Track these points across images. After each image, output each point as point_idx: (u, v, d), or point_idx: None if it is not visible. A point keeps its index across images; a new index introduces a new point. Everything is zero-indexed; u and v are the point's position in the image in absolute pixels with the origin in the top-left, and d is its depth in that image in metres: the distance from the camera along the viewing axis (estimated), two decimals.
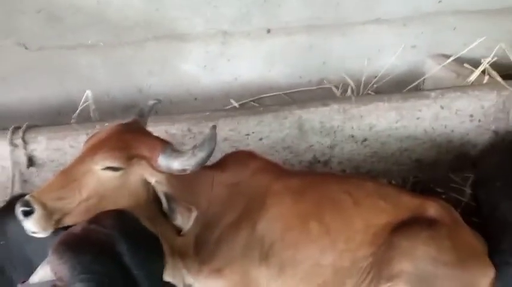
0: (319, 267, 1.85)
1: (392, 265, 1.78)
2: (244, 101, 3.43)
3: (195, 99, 3.46)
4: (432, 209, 1.96)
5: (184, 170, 1.66)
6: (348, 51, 3.54)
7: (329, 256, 1.86)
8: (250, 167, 2.05)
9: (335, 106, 2.73)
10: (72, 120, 2.97)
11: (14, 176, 2.48)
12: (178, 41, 3.29)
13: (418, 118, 2.82)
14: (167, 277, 2.00)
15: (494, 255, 2.02)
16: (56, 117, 3.24)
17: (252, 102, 3.48)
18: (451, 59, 3.30)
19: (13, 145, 2.45)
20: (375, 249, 1.86)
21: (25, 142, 2.46)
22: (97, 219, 1.42)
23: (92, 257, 1.30)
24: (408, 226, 1.87)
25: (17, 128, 2.48)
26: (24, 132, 2.46)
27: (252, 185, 2.00)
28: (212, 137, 1.66)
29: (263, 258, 1.90)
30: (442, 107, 2.82)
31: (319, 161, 2.86)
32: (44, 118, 3.07)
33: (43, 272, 1.34)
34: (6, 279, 1.68)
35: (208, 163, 2.08)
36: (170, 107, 3.38)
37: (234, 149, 2.66)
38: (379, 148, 2.86)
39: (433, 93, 2.80)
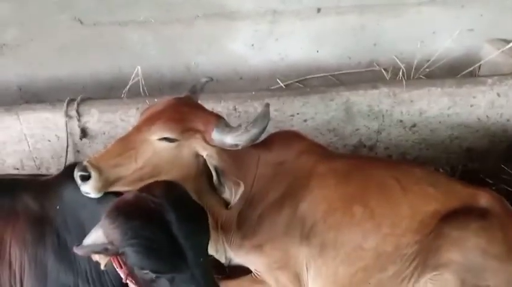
0: (361, 250, 1.84)
1: (440, 253, 1.74)
2: (290, 82, 3.40)
3: (241, 78, 3.46)
4: (484, 199, 1.89)
5: (236, 145, 1.68)
6: (400, 33, 3.41)
7: (372, 240, 1.84)
8: (295, 148, 2.05)
9: (385, 89, 2.66)
10: (123, 95, 3.06)
11: (68, 146, 2.59)
12: (227, 19, 3.29)
13: (472, 105, 2.70)
14: (210, 250, 2.06)
15: None
16: (107, 91, 3.34)
17: (298, 83, 3.44)
18: (511, 44, 3.12)
19: (68, 116, 2.56)
20: (421, 237, 1.81)
21: (79, 114, 2.56)
22: (148, 188, 1.46)
23: (142, 223, 1.35)
24: (459, 215, 1.81)
25: (72, 101, 2.58)
26: (78, 105, 2.57)
27: (297, 165, 2.00)
28: (266, 115, 1.67)
29: (304, 237, 1.91)
30: (498, 95, 2.69)
31: (364, 146, 2.81)
32: (95, 92, 3.18)
33: (95, 235, 1.41)
34: (61, 242, 1.78)
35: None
36: (216, 85, 3.39)
37: (277, 130, 2.66)
38: (428, 134, 2.78)
39: (489, 80, 2.67)
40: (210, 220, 1.89)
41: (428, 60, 3.40)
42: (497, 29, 3.39)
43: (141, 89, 3.09)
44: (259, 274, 1.99)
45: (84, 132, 2.59)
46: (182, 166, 1.71)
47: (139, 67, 3.07)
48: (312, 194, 1.95)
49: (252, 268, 2.01)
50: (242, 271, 2.09)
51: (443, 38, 3.41)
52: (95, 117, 2.57)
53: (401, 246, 1.82)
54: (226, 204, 1.74)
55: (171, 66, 3.40)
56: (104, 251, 1.42)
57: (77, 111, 2.56)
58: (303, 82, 3.44)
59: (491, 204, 1.88)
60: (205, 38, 3.34)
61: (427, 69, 3.39)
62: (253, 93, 2.64)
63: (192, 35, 3.32)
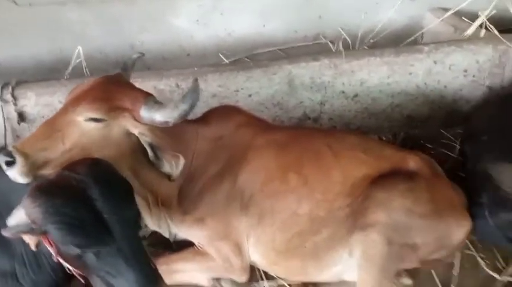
0: (296, 216, 1.90)
1: (367, 214, 1.81)
2: (237, 58, 3.39)
3: (188, 55, 3.43)
4: (413, 162, 1.97)
5: (166, 122, 1.67)
6: (344, 4, 3.45)
7: (305, 206, 1.89)
8: (234, 122, 2.07)
9: (326, 61, 2.69)
10: (65, 77, 2.98)
11: (5, 131, 2.52)
12: None
13: (410, 73, 2.77)
14: (153, 226, 2.08)
15: (474, 207, 2.05)
16: (49, 74, 3.23)
17: (246, 59, 3.44)
18: (450, 12, 3.20)
19: (3, 100, 2.48)
20: (352, 200, 1.89)
21: (15, 98, 2.48)
22: (71, 166, 1.46)
23: (63, 201, 1.35)
24: (387, 178, 1.89)
25: (6, 84, 2.50)
26: (13, 89, 2.48)
27: (236, 139, 2.02)
28: (195, 90, 1.66)
29: (244, 208, 1.95)
30: (435, 62, 2.77)
31: (309, 118, 2.85)
32: (37, 75, 3.08)
33: (18, 215, 1.40)
34: None
35: (193, 117, 2.13)
36: (163, 63, 3.37)
37: None
38: (370, 103, 2.84)
39: (426, 48, 2.75)
40: (150, 196, 1.92)
41: (372, 31, 3.46)
42: None
43: (84, 70, 3.01)
44: (201, 246, 2.02)
45: (21, 117, 2.51)
46: (113, 145, 1.70)
47: (80, 48, 2.98)
48: (250, 165, 1.98)
49: (195, 241, 2.04)
50: (188, 246, 2.12)
51: (387, 8, 3.47)
52: (32, 101, 2.49)
53: (334, 210, 1.89)
54: (168, 177, 1.74)
55: (114, 45, 3.32)
56: (30, 230, 1.41)
57: (12, 95, 2.48)
58: (251, 57, 3.44)
59: (420, 166, 1.97)
60: (149, 15, 3.28)
61: (372, 40, 3.46)
62: (196, 69, 2.62)
63: (135, 13, 3.25)
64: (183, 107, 1.63)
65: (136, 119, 1.69)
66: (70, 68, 3.01)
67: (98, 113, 1.64)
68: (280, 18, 3.46)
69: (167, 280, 2.10)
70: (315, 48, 3.50)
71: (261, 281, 2.11)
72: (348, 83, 2.76)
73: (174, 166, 1.72)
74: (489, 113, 2.49)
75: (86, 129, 1.65)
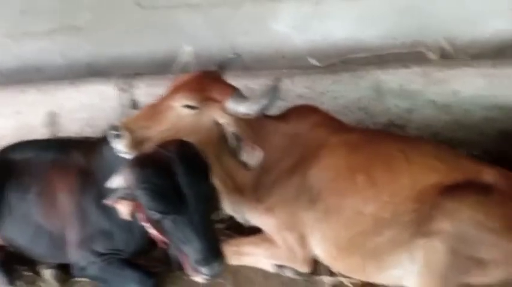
0: (361, 215, 1.95)
1: (433, 222, 1.80)
2: (331, 62, 3.47)
3: (283, 57, 3.59)
4: (489, 175, 1.90)
5: (248, 114, 1.88)
6: (447, 13, 3.33)
7: (371, 206, 1.94)
8: (311, 120, 2.19)
9: (416, 69, 2.67)
10: (174, 71, 3.35)
11: (121, 116, 2.94)
12: (272, 1, 3.42)
13: (508, 87, 2.62)
14: (229, 210, 2.29)
15: None
16: (162, 69, 3.64)
17: (340, 63, 3.49)
18: None
19: (121, 89, 2.90)
20: (419, 206, 1.88)
21: (130, 87, 2.89)
22: (164, 144, 1.73)
23: (152, 171, 1.62)
24: (459, 188, 1.85)
25: (125, 76, 2.92)
26: (130, 80, 2.89)
27: (310, 136, 2.14)
28: (275, 88, 1.84)
29: (311, 203, 2.06)
30: None
31: (395, 125, 2.84)
32: (152, 70, 3.49)
33: (117, 180, 1.70)
34: (100, 192, 2.07)
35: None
36: (259, 64, 3.56)
37: None
38: (461, 115, 2.74)
39: None
40: (229, 182, 2.12)
41: (476, 42, 3.29)
42: None
43: (191, 67, 3.35)
44: (269, 234, 2.18)
45: (134, 104, 2.92)
46: (202, 132, 1.95)
47: (187, 47, 3.32)
48: (321, 163, 2.09)
49: (264, 229, 2.21)
50: (259, 233, 2.29)
51: (495, 18, 3.28)
52: (143, 91, 2.88)
53: (399, 213, 1.90)
54: (245, 166, 1.94)
55: (218, 46, 3.61)
56: (124, 195, 1.70)
57: (129, 85, 2.89)
58: (345, 62, 3.49)
59: (497, 181, 1.89)
60: (251, 18, 3.51)
61: (475, 51, 3.29)
62: (285, 70, 2.78)
63: (239, 16, 3.50)
64: (263, 101, 1.82)
65: (224, 110, 1.91)
66: (178, 65, 3.36)
67: (193, 101, 1.90)
68: (379, 24, 3.45)
69: (235, 260, 2.33)
70: (411, 56, 3.43)
71: (322, 276, 2.19)
72: (439, 93, 2.70)
73: (252, 156, 1.91)
74: None
75: (182, 114, 1.92)
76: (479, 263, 1.76)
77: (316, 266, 2.21)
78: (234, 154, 1.95)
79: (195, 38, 3.56)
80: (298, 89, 2.75)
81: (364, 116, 2.82)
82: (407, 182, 1.93)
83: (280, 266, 2.22)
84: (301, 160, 2.11)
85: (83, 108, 2.99)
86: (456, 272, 1.76)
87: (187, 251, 1.63)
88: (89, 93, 2.95)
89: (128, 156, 1.91)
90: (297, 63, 3.51)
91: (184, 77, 2.08)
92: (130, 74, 2.92)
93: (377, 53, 3.45)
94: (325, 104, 2.81)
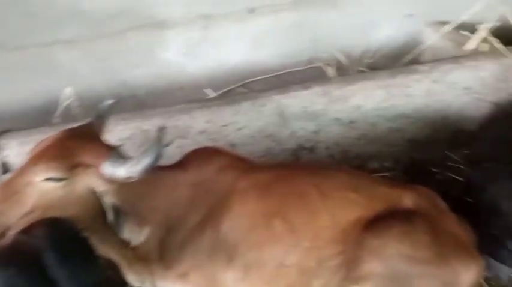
0: (284, 268, 1.74)
1: (360, 265, 1.65)
2: (229, 88, 3.29)
3: (181, 88, 3.35)
4: (410, 200, 1.80)
5: (130, 177, 1.56)
6: (339, 25, 3.33)
7: (293, 256, 1.74)
8: (214, 164, 1.94)
9: (317, 89, 2.57)
10: (55, 120, 2.93)
11: None
12: (158, 29, 3.17)
13: (408, 95, 2.62)
14: (136, 283, 1.96)
15: (484, 240, 1.87)
16: (43, 117, 3.18)
17: (239, 88, 3.34)
18: (449, 27, 3.05)
19: None
20: (344, 247, 1.72)
21: None
22: (29, 229, 1.36)
23: (16, 271, 1.25)
24: (381, 221, 1.72)
25: None
26: None
27: (216, 183, 1.89)
28: (158, 141, 1.55)
29: (229, 260, 1.81)
30: (434, 82, 2.61)
31: (304, 148, 2.72)
32: (29, 119, 3.03)
33: None
34: None
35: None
36: (156, 98, 3.29)
37: (212, 142, 2.57)
38: (367, 129, 2.69)
39: (422, 68, 2.60)
40: (127, 252, 1.80)
41: (369, 51, 3.33)
42: (436, 12, 3.31)
43: (74, 111, 2.96)
44: None
45: (5, 167, 2.45)
46: (77, 205, 1.58)
47: (68, 88, 2.94)
48: (233, 212, 1.84)
49: None
50: None
51: (384, 26, 3.34)
52: (14, 151, 2.44)
53: (324, 259, 1.73)
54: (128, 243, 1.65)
55: (106, 83, 3.26)
56: None
57: None
58: (245, 87, 3.34)
59: (418, 203, 1.80)
60: (138, 50, 3.22)
61: (369, 61, 3.32)
62: (181, 106, 2.52)
63: (124, 49, 3.19)
64: (146, 160, 1.52)
65: (101, 176, 1.58)
66: (60, 110, 2.95)
67: (57, 172, 1.53)
68: (272, 44, 3.35)
69: None
70: (310, 73, 3.38)
71: None
72: (342, 110, 2.62)
73: (136, 233, 1.62)
74: (494, 134, 2.31)
75: (45, 189, 1.54)
76: None
77: None
78: (114, 229, 1.63)
79: (76, 77, 3.17)
80: (198, 125, 2.51)
81: (272, 143, 2.65)
82: (326, 221, 1.76)
83: None
84: (211, 212, 1.85)
85: None
86: None
87: None
88: None
89: None
90: (196, 93, 3.28)
91: (46, 140, 1.70)
92: None
93: (275, 74, 3.38)
94: (230, 136, 2.61)
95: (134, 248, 1.80)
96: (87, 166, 1.57)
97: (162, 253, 1.84)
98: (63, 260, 1.29)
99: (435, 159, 2.76)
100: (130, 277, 1.91)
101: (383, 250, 1.63)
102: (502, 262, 2.00)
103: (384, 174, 2.73)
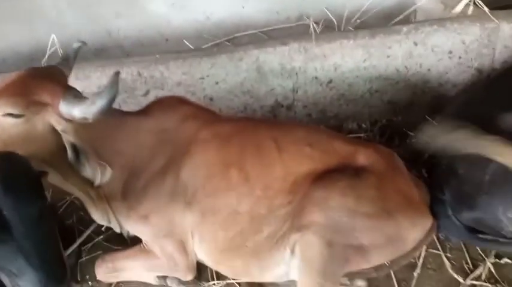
0: (237, 215, 1.81)
1: (304, 214, 1.70)
2: (216, 42, 3.26)
3: (167, 40, 3.33)
4: (364, 156, 1.83)
5: (85, 118, 1.59)
6: None
7: (246, 204, 1.80)
8: (179, 114, 1.97)
9: (295, 45, 2.54)
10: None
11: None
12: None
13: (388, 56, 2.59)
14: (101, 221, 2.03)
15: (436, 205, 1.90)
16: (29, 63, 3.21)
17: (226, 42, 3.30)
18: None
19: None
20: (294, 197, 1.77)
21: None
22: None
23: None
24: (329, 174, 1.75)
25: None
26: None
27: (180, 132, 1.93)
28: (113, 84, 1.56)
29: (187, 205, 1.87)
30: (415, 44, 2.57)
31: (282, 106, 2.72)
32: (14, 67, 3.06)
33: None
34: None
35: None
36: (142, 49, 3.28)
37: (189, 94, 2.57)
38: (346, 89, 2.68)
39: (404, 28, 2.55)
40: (92, 191, 1.86)
41: (359, 10, 3.25)
42: None
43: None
44: (146, 243, 1.97)
45: None
46: (37, 142, 1.64)
47: (54, 36, 2.93)
48: (193, 160, 1.89)
49: (141, 238, 1.99)
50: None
51: None
52: None
53: (275, 208, 1.78)
54: (91, 182, 1.70)
55: (91, 32, 3.26)
56: None
57: None
58: (231, 41, 3.31)
59: (373, 161, 1.82)
60: (124, 0, 3.19)
61: (359, 20, 3.25)
62: (157, 56, 2.52)
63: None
64: (101, 102, 1.54)
65: (59, 115, 1.62)
66: (46, 57, 2.96)
67: (15, 107, 1.58)
68: None
69: (113, 278, 2.09)
70: (298, 30, 3.32)
71: (210, 282, 2.04)
72: (320, 69, 2.60)
73: (99, 173, 1.67)
74: (462, 99, 2.29)
75: (4, 124, 1.59)
76: (359, 250, 1.69)
77: (204, 272, 2.04)
78: (76, 168, 1.67)
79: (60, 24, 3.17)
80: (175, 76, 2.52)
81: (250, 99, 2.66)
82: (280, 173, 1.80)
83: (163, 277, 2.02)
84: (172, 158, 1.90)
85: None
86: (335, 263, 1.68)
87: (24, 285, 1.36)
88: None
89: None
90: (182, 46, 3.26)
91: (6, 79, 1.73)
92: None
93: (263, 29, 3.33)
94: (207, 90, 2.62)
95: (98, 188, 1.86)
96: (45, 105, 1.61)
97: (125, 195, 1.92)
98: (8, 190, 1.34)
99: (415, 122, 2.74)
100: (96, 215, 1.98)
101: (326, 201, 1.68)
102: (448, 230, 1.97)
103: (359, 135, 2.73)
